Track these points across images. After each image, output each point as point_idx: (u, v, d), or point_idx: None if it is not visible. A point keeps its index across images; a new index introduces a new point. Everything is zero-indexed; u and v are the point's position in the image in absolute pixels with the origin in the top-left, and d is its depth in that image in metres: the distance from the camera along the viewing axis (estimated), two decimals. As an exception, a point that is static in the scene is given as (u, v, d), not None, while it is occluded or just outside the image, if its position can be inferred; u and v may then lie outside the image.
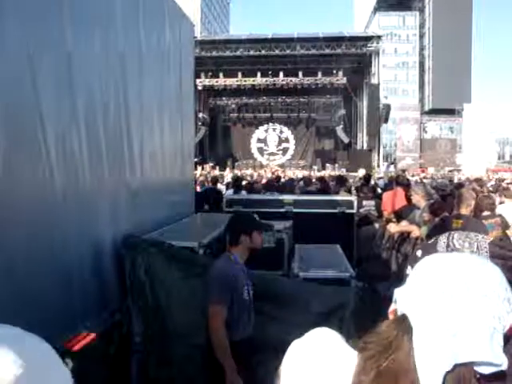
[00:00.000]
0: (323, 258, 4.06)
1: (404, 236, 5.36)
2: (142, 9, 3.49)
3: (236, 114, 32.51)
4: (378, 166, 27.33)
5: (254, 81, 27.52)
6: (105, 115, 2.87)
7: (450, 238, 1.29)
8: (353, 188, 9.31)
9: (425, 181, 11.90)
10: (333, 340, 0.87)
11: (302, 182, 9.76)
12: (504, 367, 0.65)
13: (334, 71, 27.19)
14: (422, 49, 73.94)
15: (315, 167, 28.00)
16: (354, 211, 5.89)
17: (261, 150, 32.65)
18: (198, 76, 25.31)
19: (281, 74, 27.19)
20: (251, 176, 15.58)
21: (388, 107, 27.83)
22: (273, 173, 18.54)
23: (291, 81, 27.31)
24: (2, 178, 1.88)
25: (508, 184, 11.49)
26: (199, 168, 17.93)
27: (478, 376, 0.66)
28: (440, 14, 67.61)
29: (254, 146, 32.73)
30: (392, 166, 29.61)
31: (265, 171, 21.57)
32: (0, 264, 1.85)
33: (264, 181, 11.41)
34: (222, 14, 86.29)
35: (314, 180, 10.34)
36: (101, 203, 2.80)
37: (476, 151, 36.44)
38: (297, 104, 31.50)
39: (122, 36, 3.15)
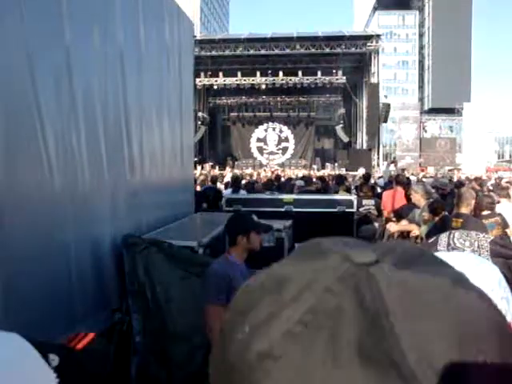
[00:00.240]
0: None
1: (404, 235, 5.36)
2: (141, 8, 3.48)
3: (235, 114, 32.47)
4: (378, 165, 27.33)
5: (253, 80, 27.51)
6: (104, 114, 2.86)
7: (451, 236, 1.29)
8: (352, 187, 9.31)
9: (424, 180, 11.90)
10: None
11: (300, 181, 9.61)
12: None
13: (334, 70, 27.18)
14: (421, 48, 73.96)
15: (315, 166, 27.98)
16: (354, 210, 5.89)
17: (260, 150, 32.62)
18: (197, 75, 25.29)
19: (280, 73, 27.19)
20: (251, 175, 15.56)
21: (388, 106, 27.85)
22: (272, 172, 18.52)
23: (291, 80, 27.31)
24: (2, 177, 1.87)
25: (507, 183, 11.49)
26: (199, 167, 17.93)
27: None
28: (440, 12, 67.62)
29: (254, 145, 32.71)
30: (392, 165, 29.57)
31: (264, 170, 21.55)
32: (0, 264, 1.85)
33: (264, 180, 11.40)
34: (222, 13, 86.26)
35: (314, 179, 10.33)
36: (100, 202, 2.80)
37: (476, 150, 36.45)
38: (296, 103, 31.47)
39: (122, 35, 3.14)
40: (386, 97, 31.87)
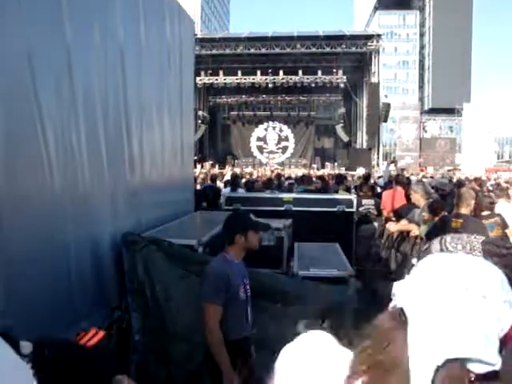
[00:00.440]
0: (322, 256, 4.06)
1: (403, 235, 5.37)
2: (141, 6, 3.48)
3: (236, 112, 32.45)
4: (378, 164, 27.32)
5: (253, 79, 27.51)
6: (104, 113, 2.86)
7: (443, 241, 1.30)
8: (352, 187, 9.31)
9: (424, 180, 11.88)
10: (325, 343, 0.87)
11: (296, 185, 9.43)
12: (497, 367, 0.65)
13: (334, 70, 27.17)
14: (422, 48, 73.89)
15: (315, 166, 27.98)
16: (354, 210, 5.90)
17: (260, 149, 32.60)
18: (197, 74, 25.28)
19: (281, 72, 27.18)
20: (250, 174, 15.53)
21: (388, 106, 27.82)
22: (272, 171, 18.48)
23: (291, 79, 27.30)
24: (2, 177, 1.87)
25: (506, 183, 11.48)
26: (199, 166, 17.89)
27: (472, 378, 0.66)
28: (440, 12, 67.54)
29: (254, 144, 32.68)
30: (392, 164, 29.54)
31: (264, 170, 21.50)
32: (0, 264, 1.85)
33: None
34: (222, 11, 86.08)
35: (314, 179, 10.31)
36: (100, 201, 2.80)
37: (475, 151, 36.43)
38: (297, 102, 31.45)
39: (122, 34, 3.14)
40: (386, 96, 31.85)
